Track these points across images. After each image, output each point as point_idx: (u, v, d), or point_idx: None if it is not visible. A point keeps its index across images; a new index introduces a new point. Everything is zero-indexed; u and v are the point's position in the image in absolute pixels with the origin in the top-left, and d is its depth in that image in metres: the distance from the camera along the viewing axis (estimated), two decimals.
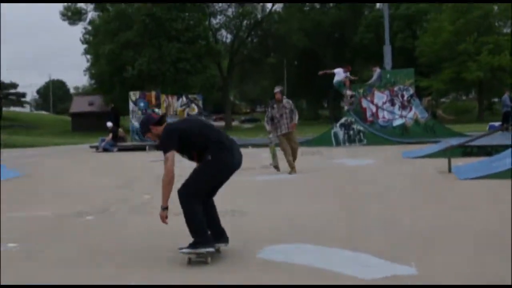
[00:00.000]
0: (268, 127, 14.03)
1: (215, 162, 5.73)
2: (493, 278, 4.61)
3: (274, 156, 13.76)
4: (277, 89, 14.06)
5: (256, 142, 26.36)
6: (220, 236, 5.88)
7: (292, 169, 13.35)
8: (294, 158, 13.59)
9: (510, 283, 2.72)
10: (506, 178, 10.49)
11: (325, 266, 5.09)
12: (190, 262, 5.45)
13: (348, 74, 24.74)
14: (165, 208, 5.81)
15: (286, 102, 13.75)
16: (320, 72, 25.95)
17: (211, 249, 5.51)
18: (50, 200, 10.12)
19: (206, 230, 5.68)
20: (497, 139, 17.60)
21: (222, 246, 5.83)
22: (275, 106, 13.69)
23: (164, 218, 5.76)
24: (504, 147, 13.92)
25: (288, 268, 5.15)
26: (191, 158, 6.03)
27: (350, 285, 3.74)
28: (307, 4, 70.97)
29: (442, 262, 5.17)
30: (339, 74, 25.11)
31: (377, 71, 25.95)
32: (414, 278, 4.70)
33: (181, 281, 4.86)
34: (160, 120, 5.91)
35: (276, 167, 13.68)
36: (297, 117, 13.77)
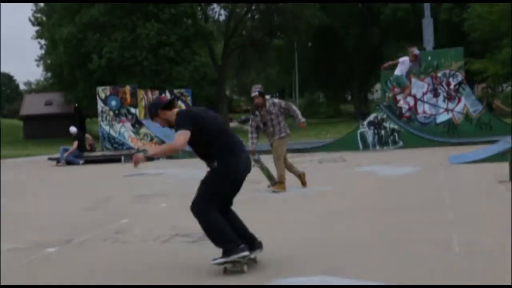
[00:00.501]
0: (252, 143, 13.14)
1: (222, 169, 6.41)
2: None
3: (269, 177, 13.33)
4: (254, 92, 12.90)
5: (260, 148, 26.47)
6: (252, 243, 6.53)
7: (276, 184, 12.96)
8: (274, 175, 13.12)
9: (510, 283, 2.80)
10: None
11: None
12: (226, 272, 6.30)
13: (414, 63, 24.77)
14: (149, 157, 6.71)
15: (271, 104, 12.97)
16: (385, 65, 25.26)
17: (245, 253, 6.29)
18: (5, 229, 10.18)
19: (233, 237, 6.34)
20: None
21: (258, 253, 6.66)
22: (257, 113, 13.01)
23: (138, 161, 6.47)
24: None
25: None
26: (195, 151, 6.79)
27: (350, 285, 3.81)
28: None
29: None
30: (404, 63, 25.17)
31: (411, 55, 26.02)
32: None
33: None
34: (170, 104, 6.72)
35: (279, 182, 13.04)
36: (297, 112, 13.36)
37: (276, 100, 13.25)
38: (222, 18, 67.71)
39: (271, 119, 12.81)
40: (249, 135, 13.25)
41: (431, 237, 7.62)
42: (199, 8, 60.78)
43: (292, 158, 20.19)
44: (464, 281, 5.62)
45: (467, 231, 7.89)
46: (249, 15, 66.44)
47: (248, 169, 6.72)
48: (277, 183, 12.86)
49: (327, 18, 64.99)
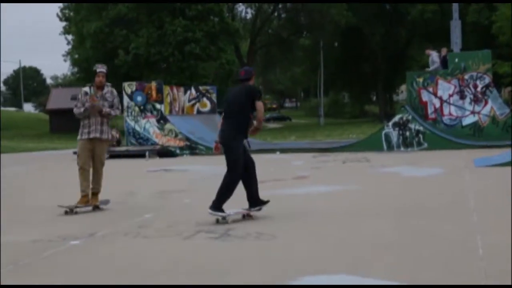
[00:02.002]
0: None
1: None
2: None
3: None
4: (100, 68, 10.73)
5: (286, 146, 26.47)
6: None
7: (83, 201, 10.72)
8: (95, 185, 10.91)
9: (510, 283, 2.76)
10: None
11: None
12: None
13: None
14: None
15: (109, 91, 10.85)
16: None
17: None
18: (26, 223, 10.25)
19: None
20: None
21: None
22: (89, 92, 10.63)
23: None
24: None
25: None
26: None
27: (351, 285, 3.80)
28: None
29: None
30: (434, 61, 25.24)
31: (433, 55, 26.03)
32: None
33: None
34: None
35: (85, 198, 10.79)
36: (114, 112, 10.83)
37: (114, 91, 10.97)
38: (248, 16, 67.78)
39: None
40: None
41: (454, 239, 7.60)
42: (226, 6, 60.70)
43: (317, 158, 20.19)
44: (484, 282, 5.59)
45: (491, 233, 7.85)
46: (276, 14, 66.52)
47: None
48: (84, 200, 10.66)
49: (354, 18, 64.81)
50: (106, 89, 10.63)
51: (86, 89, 10.67)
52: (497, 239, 7.52)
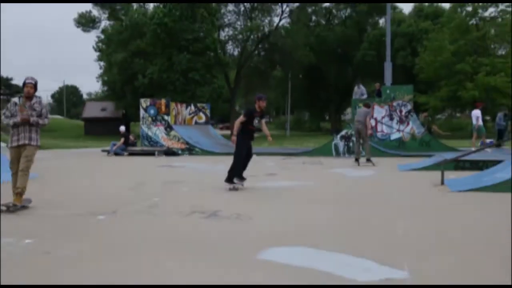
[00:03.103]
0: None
1: None
2: (481, 279, 4.73)
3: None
4: (29, 80, 8.93)
5: (260, 151, 26.47)
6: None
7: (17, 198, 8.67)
8: (20, 185, 8.68)
9: (510, 283, 2.75)
10: (495, 191, 10.67)
11: (325, 269, 5.21)
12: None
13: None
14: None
15: (38, 101, 9.01)
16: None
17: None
18: (64, 200, 10.24)
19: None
20: (488, 155, 17.72)
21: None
22: (18, 102, 8.91)
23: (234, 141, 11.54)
24: (494, 163, 14.04)
25: (288, 269, 5.26)
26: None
27: (350, 285, 3.85)
28: (313, 20, 71.08)
29: (433, 267, 5.29)
30: (363, 93, 25.63)
31: (362, 89, 26.50)
32: (407, 281, 4.82)
33: (182, 271, 4.98)
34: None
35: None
36: (42, 122, 8.91)
37: (42, 100, 9.20)
38: (236, 53, 67.82)
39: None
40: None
41: (379, 223, 7.68)
42: (219, 44, 60.74)
43: (284, 160, 20.23)
44: (400, 255, 5.67)
45: (409, 218, 7.95)
46: (256, 52, 66.55)
47: None
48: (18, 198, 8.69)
49: (314, 58, 65.17)
50: (34, 100, 8.85)
51: (16, 99, 8.88)
52: (413, 223, 7.61)
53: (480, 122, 24.51)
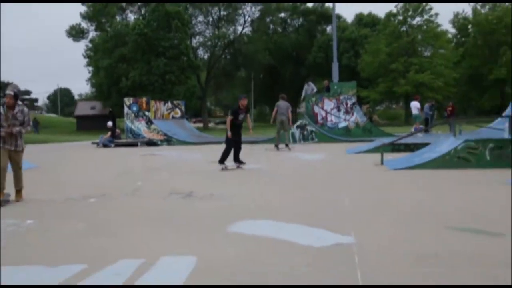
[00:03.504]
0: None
1: None
2: (415, 244, 4.80)
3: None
4: (8, 91, 8.10)
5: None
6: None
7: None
8: (17, 184, 8.26)
9: (510, 283, 2.71)
10: (424, 168, 10.89)
11: (286, 237, 5.23)
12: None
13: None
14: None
15: (20, 110, 8.13)
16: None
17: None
18: (59, 186, 10.06)
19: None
20: (418, 139, 18.02)
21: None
22: (2, 112, 8.03)
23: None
24: (423, 145, 14.27)
25: (253, 239, 5.26)
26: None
27: (350, 285, 3.84)
28: (271, 28, 71.10)
29: (375, 232, 5.35)
30: (313, 89, 25.67)
31: (311, 85, 26.65)
32: (353, 245, 4.86)
33: (162, 243, 4.92)
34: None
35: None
36: (24, 130, 8.15)
37: (26, 109, 8.26)
38: (206, 57, 67.46)
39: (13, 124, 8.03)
40: None
41: (330, 197, 7.73)
42: (191, 50, 60.37)
43: (248, 147, 20.22)
44: (343, 222, 5.71)
45: (353, 193, 8.02)
46: (223, 56, 66.39)
47: None
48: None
49: (272, 60, 65.25)
50: (17, 109, 8.01)
51: (1, 109, 7.97)
52: (358, 197, 7.68)
53: (417, 111, 25.17)
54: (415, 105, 25.22)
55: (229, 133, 12.29)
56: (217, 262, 4.43)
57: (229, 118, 12.44)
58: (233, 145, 12.44)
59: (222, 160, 12.34)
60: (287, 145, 19.06)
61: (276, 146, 19.11)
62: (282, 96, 20.00)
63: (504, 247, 4.67)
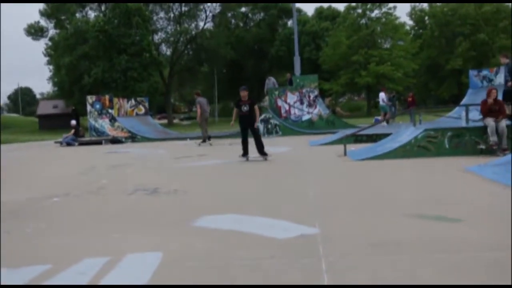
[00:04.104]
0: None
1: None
2: (378, 233, 4.87)
3: None
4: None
5: (193, 135, 26.29)
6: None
7: None
8: None
9: (510, 283, 2.72)
10: (386, 158, 11.06)
11: (250, 230, 5.22)
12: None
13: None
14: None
15: None
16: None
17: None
18: (22, 187, 9.82)
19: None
20: (380, 129, 18.30)
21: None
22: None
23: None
24: (385, 135, 14.50)
25: (218, 233, 5.25)
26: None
27: (351, 285, 3.85)
28: (232, 23, 70.91)
29: (338, 222, 5.40)
30: (383, 98, 25.77)
31: (271, 79, 26.83)
32: (317, 235, 4.90)
33: (128, 240, 4.86)
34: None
35: None
36: None
37: None
38: (168, 53, 66.84)
39: None
40: None
41: (294, 189, 7.77)
42: (153, 46, 59.77)
43: (213, 141, 20.17)
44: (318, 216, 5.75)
45: (317, 184, 8.09)
46: (186, 52, 65.90)
47: None
48: None
49: (235, 54, 65.11)
50: None
51: None
52: (321, 187, 7.75)
53: (382, 103, 25.76)
54: (381, 97, 25.93)
55: (232, 123, 13.09)
56: (182, 257, 4.40)
57: (234, 110, 12.94)
58: (243, 135, 12.65)
59: (261, 152, 12.55)
60: (204, 141, 19.67)
61: (205, 140, 19.68)
62: (198, 92, 20.66)
63: (462, 233, 4.78)
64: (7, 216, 6.71)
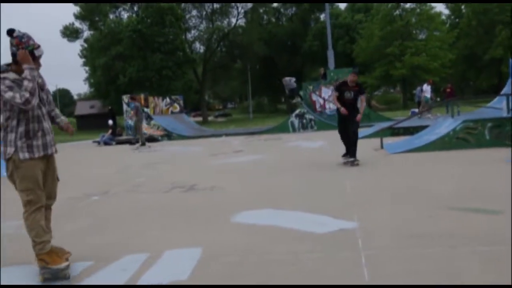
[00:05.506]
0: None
1: None
2: (417, 226, 4.80)
3: None
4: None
5: (228, 132, 26.41)
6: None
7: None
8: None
9: (510, 283, 2.69)
10: (424, 151, 10.87)
11: (288, 225, 5.23)
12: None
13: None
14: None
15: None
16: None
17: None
18: (62, 186, 10.03)
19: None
20: (417, 122, 18.01)
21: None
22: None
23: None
24: (422, 128, 14.26)
25: (257, 228, 5.26)
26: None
27: (352, 285, 3.84)
28: (265, 18, 70.83)
29: (376, 216, 5.34)
30: (427, 91, 25.55)
31: (290, 80, 26.73)
32: (356, 229, 4.86)
33: (167, 236, 4.91)
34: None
35: None
36: None
37: None
38: (201, 50, 67.27)
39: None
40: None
41: (330, 182, 7.73)
42: (186, 44, 60.33)
43: (248, 138, 20.21)
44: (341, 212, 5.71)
45: (354, 178, 8.03)
46: (219, 49, 66.18)
47: None
48: None
49: (268, 50, 65.08)
50: None
51: None
52: (359, 182, 7.69)
53: (428, 95, 25.17)
54: (425, 89, 25.40)
55: (342, 109, 9.84)
56: (222, 253, 4.43)
57: (333, 95, 10.41)
58: (341, 128, 10.25)
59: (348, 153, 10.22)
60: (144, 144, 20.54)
61: (144, 144, 20.51)
62: (133, 96, 21.97)
63: (502, 225, 4.67)
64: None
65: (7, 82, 3.96)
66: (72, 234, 5.63)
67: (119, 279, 3.96)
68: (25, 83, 3.92)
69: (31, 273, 4.27)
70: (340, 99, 9.98)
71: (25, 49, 4.01)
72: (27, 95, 3.90)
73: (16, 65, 4.07)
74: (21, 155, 4.08)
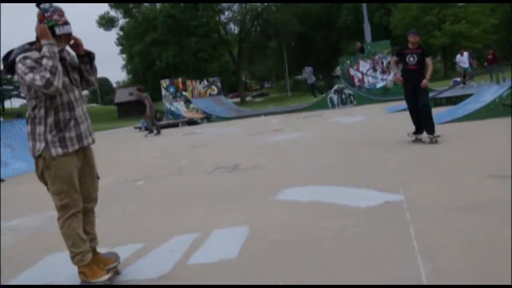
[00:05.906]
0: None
1: None
2: (463, 195, 4.71)
3: None
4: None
5: (266, 111, 26.40)
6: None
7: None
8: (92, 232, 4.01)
9: (510, 283, 2.65)
10: (469, 120, 10.63)
11: (333, 200, 5.22)
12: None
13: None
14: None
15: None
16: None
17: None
18: (106, 172, 10.28)
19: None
20: (459, 91, 17.58)
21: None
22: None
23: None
24: (465, 97, 13.91)
25: (302, 204, 5.27)
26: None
27: (352, 285, 3.83)
28: None
29: (422, 188, 5.27)
30: (462, 61, 25.39)
31: (310, 72, 26.58)
32: (402, 202, 4.81)
33: (212, 217, 4.97)
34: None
35: None
36: None
37: None
38: (236, 31, 67.16)
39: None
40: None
41: (373, 155, 7.65)
42: (221, 26, 60.42)
43: (287, 116, 20.15)
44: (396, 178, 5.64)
45: (398, 152, 7.92)
46: (253, 28, 65.94)
47: None
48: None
49: (303, 27, 64.45)
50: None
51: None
52: (402, 155, 7.58)
53: (464, 65, 25.13)
54: (463, 60, 25.40)
55: (398, 76, 8.87)
56: (268, 230, 4.46)
57: (392, 59, 9.36)
58: (410, 106, 8.97)
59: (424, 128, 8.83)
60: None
61: (152, 131, 20.75)
62: (141, 88, 22.04)
63: None
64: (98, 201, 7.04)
65: (29, 62, 3.34)
66: (121, 218, 5.77)
67: (168, 260, 4.05)
68: (44, 61, 3.32)
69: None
70: (403, 66, 8.80)
71: (45, 24, 3.42)
72: (47, 75, 3.28)
73: (39, 42, 3.47)
74: (53, 151, 3.50)
